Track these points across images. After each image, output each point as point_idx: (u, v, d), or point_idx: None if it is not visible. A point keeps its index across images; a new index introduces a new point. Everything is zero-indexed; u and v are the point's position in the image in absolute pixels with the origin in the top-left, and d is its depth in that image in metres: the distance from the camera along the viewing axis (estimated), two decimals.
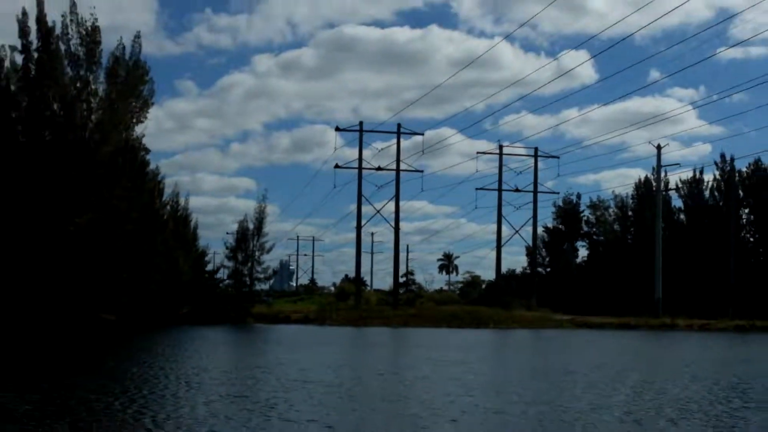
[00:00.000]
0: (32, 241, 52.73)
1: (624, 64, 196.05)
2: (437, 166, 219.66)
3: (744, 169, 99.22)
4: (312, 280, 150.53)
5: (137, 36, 61.47)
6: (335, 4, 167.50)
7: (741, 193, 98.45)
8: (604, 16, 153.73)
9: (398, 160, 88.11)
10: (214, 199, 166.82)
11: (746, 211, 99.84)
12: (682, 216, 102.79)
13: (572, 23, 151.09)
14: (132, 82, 60.37)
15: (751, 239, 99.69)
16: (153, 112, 62.97)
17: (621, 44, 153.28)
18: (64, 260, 53.42)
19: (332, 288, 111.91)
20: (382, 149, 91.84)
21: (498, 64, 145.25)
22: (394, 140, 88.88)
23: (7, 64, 58.69)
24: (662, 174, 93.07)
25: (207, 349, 38.26)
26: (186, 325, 58.92)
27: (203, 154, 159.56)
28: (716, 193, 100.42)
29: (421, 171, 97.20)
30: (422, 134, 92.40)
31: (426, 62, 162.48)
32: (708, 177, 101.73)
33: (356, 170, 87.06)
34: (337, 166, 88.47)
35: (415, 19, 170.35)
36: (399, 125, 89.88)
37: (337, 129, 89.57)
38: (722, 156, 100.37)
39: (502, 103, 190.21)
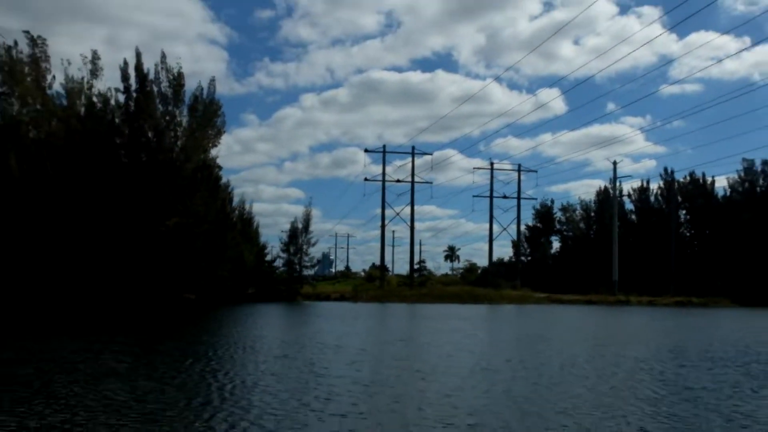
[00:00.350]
0: (132, 239, 52.88)
1: (587, 98, 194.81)
2: (442, 179, 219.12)
3: (681, 180, 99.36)
4: (347, 267, 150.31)
5: (212, 80, 61.73)
6: (363, 54, 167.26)
7: (679, 198, 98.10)
8: (572, 62, 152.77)
9: (413, 174, 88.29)
10: (271, 205, 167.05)
11: (683, 212, 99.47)
12: (633, 216, 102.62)
13: (547, 67, 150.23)
14: (208, 115, 60.39)
15: (687, 234, 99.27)
16: (224, 139, 63.10)
17: (585, 83, 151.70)
18: (156, 253, 53.58)
19: (362, 273, 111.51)
20: (400, 166, 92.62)
21: (489, 99, 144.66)
22: (410, 159, 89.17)
23: (112, 102, 58.89)
24: (617, 184, 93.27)
25: (265, 321, 38.16)
26: (250, 303, 58.97)
27: (263, 170, 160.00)
28: (660, 198, 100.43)
29: (431, 182, 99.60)
30: (431, 154, 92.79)
31: (434, 98, 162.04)
32: (653, 186, 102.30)
33: (380, 182, 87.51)
34: (365, 179, 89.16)
35: (425, 65, 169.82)
36: (413, 147, 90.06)
37: (366, 150, 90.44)
38: (665, 169, 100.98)
39: (493, 129, 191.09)
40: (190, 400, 12.87)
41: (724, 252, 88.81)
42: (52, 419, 10.89)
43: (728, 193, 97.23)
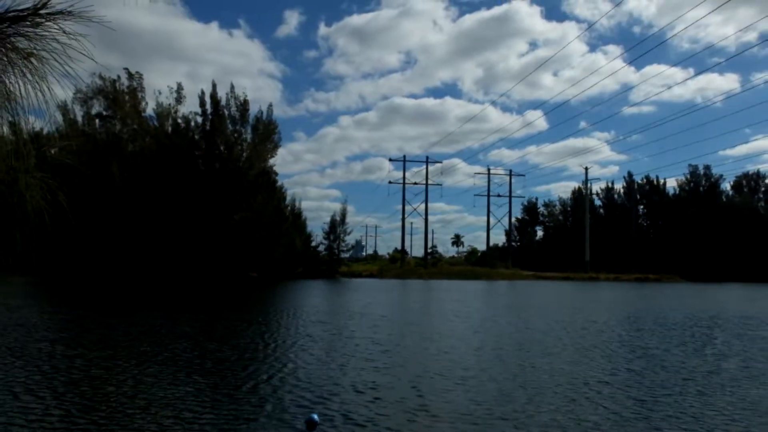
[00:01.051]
0: (207, 230, 53.03)
1: (564, 118, 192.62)
2: (450, 182, 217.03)
3: (639, 182, 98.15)
4: (375, 251, 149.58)
5: (270, 105, 63.24)
6: (388, 84, 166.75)
7: (638, 196, 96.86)
8: (552, 89, 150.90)
9: (426, 179, 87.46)
10: (315, 202, 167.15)
11: (641, 207, 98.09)
12: (601, 210, 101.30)
13: (532, 93, 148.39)
14: (267, 133, 60.28)
15: (645, 224, 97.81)
16: (279, 151, 62.94)
17: (562, 106, 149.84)
18: (227, 241, 53.75)
19: (387, 255, 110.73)
20: (416, 172, 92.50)
21: (487, 119, 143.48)
22: (424, 166, 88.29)
23: (192, 123, 59.02)
24: (588, 185, 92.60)
25: (308, 293, 37.91)
26: (299, 279, 58.80)
27: (309, 175, 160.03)
28: (622, 196, 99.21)
29: (440, 185, 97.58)
30: (441, 162, 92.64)
31: (443, 119, 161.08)
32: (617, 186, 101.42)
33: (401, 185, 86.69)
34: (389, 182, 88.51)
35: (436, 93, 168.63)
36: (427, 157, 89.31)
37: (390, 160, 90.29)
38: (628, 173, 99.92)
39: (490, 142, 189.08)
40: (241, 356, 12.61)
41: (675, 238, 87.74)
42: (131, 372, 10.69)
43: (677, 192, 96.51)
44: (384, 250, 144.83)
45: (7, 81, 1.45)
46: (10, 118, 1.61)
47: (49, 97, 1.65)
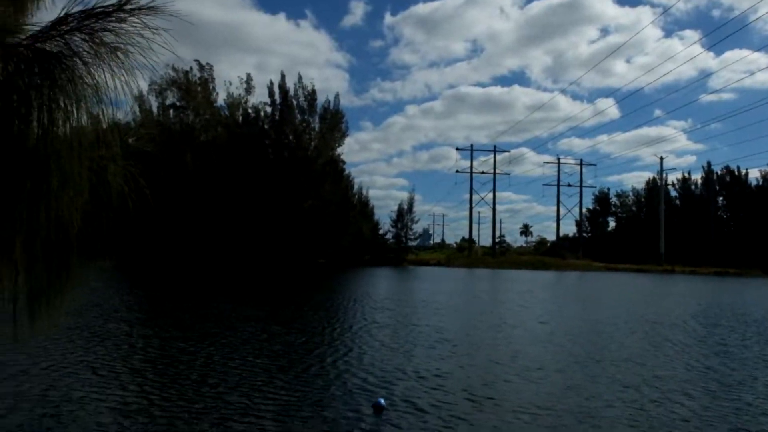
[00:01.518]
0: (277, 217, 54.11)
1: (637, 106, 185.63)
2: (518, 171, 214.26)
3: (718, 172, 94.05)
4: (442, 239, 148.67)
5: (337, 95, 63.37)
6: (454, 73, 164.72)
7: (717, 186, 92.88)
8: (624, 77, 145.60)
9: (494, 168, 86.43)
10: (382, 191, 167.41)
11: (721, 198, 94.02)
12: (677, 201, 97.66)
13: (603, 81, 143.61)
14: (334, 122, 60.95)
15: (724, 216, 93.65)
16: (347, 140, 63.60)
17: (635, 94, 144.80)
18: (296, 228, 54.70)
19: (455, 244, 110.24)
20: (484, 161, 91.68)
21: (556, 107, 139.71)
22: (492, 155, 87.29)
23: (262, 113, 60.21)
24: (663, 175, 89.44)
25: (374, 281, 38.20)
26: (366, 266, 59.31)
27: (375, 164, 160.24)
28: (700, 187, 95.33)
29: (509, 174, 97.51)
30: (509, 152, 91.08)
31: (511, 108, 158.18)
32: (695, 177, 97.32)
33: (469, 174, 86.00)
34: (457, 171, 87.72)
35: (503, 81, 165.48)
36: (495, 146, 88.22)
37: (457, 149, 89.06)
38: (708, 163, 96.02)
39: (559, 131, 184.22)
40: (306, 339, 12.89)
41: (757, 231, 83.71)
42: (203, 352, 11.11)
43: (760, 183, 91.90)
44: (451, 239, 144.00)
45: (95, 74, 1.57)
46: (97, 110, 1.73)
47: (129, 89, 1.77)
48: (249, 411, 7.38)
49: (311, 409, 7.54)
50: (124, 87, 1.67)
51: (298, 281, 34.75)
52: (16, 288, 1.83)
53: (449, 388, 8.80)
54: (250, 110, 60.27)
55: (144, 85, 53.00)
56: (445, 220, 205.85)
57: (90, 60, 1.53)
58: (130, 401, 7.70)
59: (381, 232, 69.16)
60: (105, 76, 1.63)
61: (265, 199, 54.24)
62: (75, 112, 1.62)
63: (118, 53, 1.55)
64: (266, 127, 59.70)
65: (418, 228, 77.21)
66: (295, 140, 59.26)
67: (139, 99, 54.21)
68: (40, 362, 9.69)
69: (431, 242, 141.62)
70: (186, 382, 8.85)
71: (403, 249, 69.70)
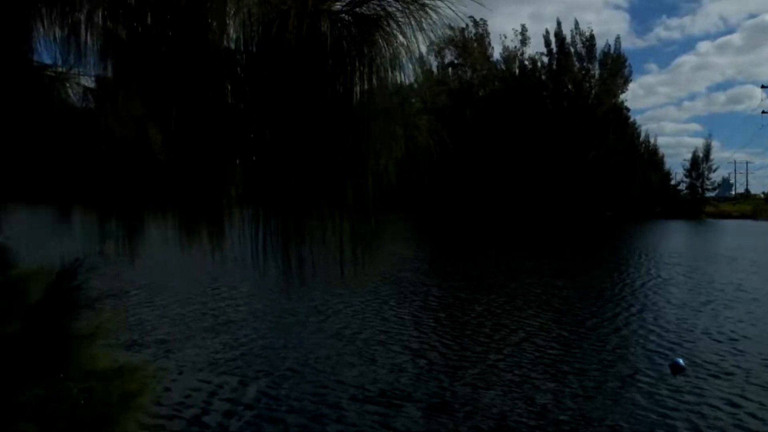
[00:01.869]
0: (558, 169, 53.41)
1: None
2: None
3: None
4: (746, 190, 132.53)
5: (617, 38, 60.23)
6: (755, 1, 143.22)
7: None
8: None
9: None
10: (672, 138, 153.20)
11: None
12: None
13: None
14: (616, 67, 57.89)
15: None
16: (630, 86, 60.16)
17: None
18: (580, 180, 53.58)
19: (762, 194, 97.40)
20: None
21: None
22: None
23: (538, 64, 59.48)
24: None
25: (667, 234, 35.70)
26: (656, 219, 55.45)
27: (664, 110, 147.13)
28: None
29: None
30: None
31: None
32: None
33: None
34: (763, 113, 75.00)
35: None
36: None
37: (762, 87, 76.65)
38: None
39: None
40: (587, 294, 12.55)
41: None
42: (482, 302, 11.47)
43: None
44: (758, 189, 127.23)
45: (407, 33, 1.66)
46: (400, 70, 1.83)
47: (430, 47, 1.83)
48: (549, 365, 7.47)
49: (612, 369, 7.38)
50: (425, 44, 1.73)
51: (583, 234, 33.82)
52: (342, 237, 2.04)
53: (748, 352, 7.98)
54: (526, 62, 59.75)
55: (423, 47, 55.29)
56: (749, 167, 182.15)
57: (402, 19, 1.63)
58: (425, 347, 8.29)
59: (673, 182, 64.17)
60: (415, 36, 1.72)
61: (547, 152, 53.62)
62: (390, 72, 1.74)
63: (427, 9, 1.63)
64: (543, 77, 58.63)
65: (716, 177, 69.72)
66: (575, 89, 57.34)
67: (419, 60, 56.81)
68: (340, 306, 10.92)
69: (732, 193, 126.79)
70: (467, 330, 9.24)
71: (700, 200, 63.90)
